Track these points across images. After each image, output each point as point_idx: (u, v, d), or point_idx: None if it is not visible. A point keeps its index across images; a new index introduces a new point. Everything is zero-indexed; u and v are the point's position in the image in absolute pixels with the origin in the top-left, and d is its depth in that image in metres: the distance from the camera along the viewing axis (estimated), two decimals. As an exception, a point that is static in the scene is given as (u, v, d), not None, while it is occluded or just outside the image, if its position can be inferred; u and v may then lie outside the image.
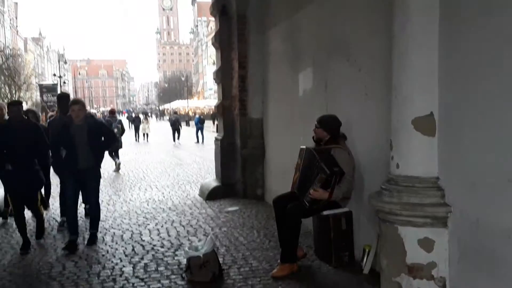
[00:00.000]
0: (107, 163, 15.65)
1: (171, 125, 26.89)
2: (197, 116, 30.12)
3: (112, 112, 16.26)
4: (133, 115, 40.20)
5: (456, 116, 3.16)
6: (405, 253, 3.35)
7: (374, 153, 4.38)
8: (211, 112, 46.70)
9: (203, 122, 27.21)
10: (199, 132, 25.59)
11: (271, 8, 7.52)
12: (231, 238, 5.98)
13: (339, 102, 5.09)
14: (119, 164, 13.83)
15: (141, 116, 30.75)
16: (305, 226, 4.91)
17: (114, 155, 13.87)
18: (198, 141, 25.07)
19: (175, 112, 36.45)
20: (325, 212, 4.38)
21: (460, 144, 3.14)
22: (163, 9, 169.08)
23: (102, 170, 6.33)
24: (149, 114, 34.58)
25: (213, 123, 41.43)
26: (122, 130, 14.34)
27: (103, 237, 6.24)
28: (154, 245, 5.79)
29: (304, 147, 4.78)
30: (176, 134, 25.79)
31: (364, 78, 4.53)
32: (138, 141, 27.30)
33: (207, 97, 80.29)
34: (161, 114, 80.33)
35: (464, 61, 3.07)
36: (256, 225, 6.57)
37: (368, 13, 4.45)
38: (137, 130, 28.24)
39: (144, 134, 27.93)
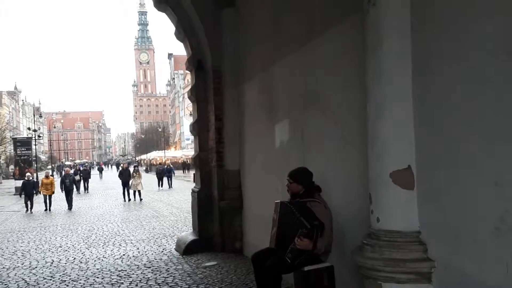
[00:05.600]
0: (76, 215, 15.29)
1: (157, 174, 30.28)
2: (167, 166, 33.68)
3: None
4: (120, 167, 31.17)
5: (434, 168, 3.15)
6: (390, 310, 3.23)
7: (354, 205, 4.32)
8: (181, 162, 54.51)
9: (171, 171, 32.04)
10: (169, 179, 30.51)
11: (246, 62, 7.64)
12: (209, 296, 5.75)
13: (317, 154, 5.08)
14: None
15: (130, 169, 23.42)
16: (285, 281, 4.76)
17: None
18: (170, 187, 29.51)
19: (160, 163, 39.04)
20: (306, 268, 4.24)
21: (441, 196, 3.10)
22: (140, 63, 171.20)
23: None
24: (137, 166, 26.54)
25: (183, 171, 49.44)
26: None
27: (74, 299, 5.92)
28: (128, 307, 5.51)
29: (278, 201, 4.70)
30: (169, 181, 30.19)
31: (341, 130, 4.54)
32: (129, 199, 21.62)
33: (184, 147, 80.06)
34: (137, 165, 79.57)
35: (440, 112, 3.08)
36: (235, 281, 6.34)
37: (341, 67, 4.52)
38: (126, 186, 22.10)
39: (134, 192, 21.93)
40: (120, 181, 22.98)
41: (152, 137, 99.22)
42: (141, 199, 21.30)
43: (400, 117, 3.30)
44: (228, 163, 8.28)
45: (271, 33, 6.43)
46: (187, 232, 9.62)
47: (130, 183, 21.90)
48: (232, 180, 8.22)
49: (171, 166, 35.56)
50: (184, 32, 8.56)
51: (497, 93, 2.65)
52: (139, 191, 21.74)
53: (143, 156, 72.03)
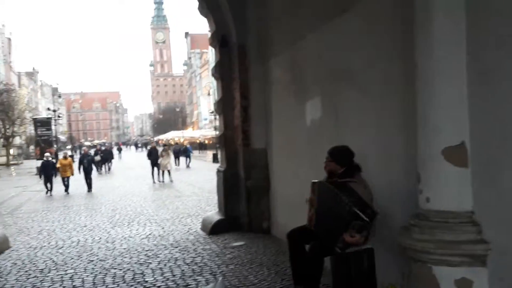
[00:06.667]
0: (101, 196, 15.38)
1: (174, 153, 30.01)
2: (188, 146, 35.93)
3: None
4: (149, 146, 31.23)
5: (490, 144, 2.94)
6: (441, 294, 3.07)
7: (394, 185, 4.13)
8: (198, 142, 56.69)
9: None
10: (187, 159, 31.24)
11: (273, 37, 7.39)
12: (240, 277, 5.64)
13: (352, 131, 4.86)
14: None
15: (159, 149, 22.30)
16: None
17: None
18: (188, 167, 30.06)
19: (176, 143, 39.45)
20: (346, 250, 4.09)
21: (497, 174, 2.91)
22: (156, 43, 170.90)
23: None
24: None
25: (199, 151, 50.93)
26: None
27: (103, 279, 5.88)
28: (159, 287, 5.44)
29: (316, 181, 4.49)
30: (187, 161, 30.91)
31: (379, 106, 4.32)
32: (158, 180, 20.69)
33: (201, 127, 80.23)
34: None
35: (498, 88, 2.87)
36: (265, 261, 6.23)
37: (378, 39, 4.27)
38: (155, 167, 21.13)
39: (163, 172, 20.94)
40: (146, 162, 22.51)
41: (170, 117, 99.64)
42: (171, 180, 20.44)
43: (453, 91, 3.09)
44: (254, 142, 8.13)
45: (300, 6, 6.17)
46: (212, 212, 9.55)
47: (159, 162, 20.91)
48: (259, 159, 8.07)
49: (189, 146, 36.06)
50: (207, 7, 8.33)
51: None
52: (168, 171, 20.90)
53: (161, 136, 72.34)
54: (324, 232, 4.25)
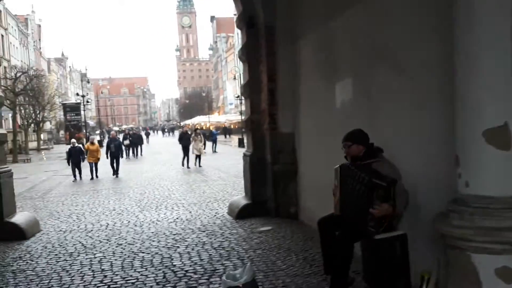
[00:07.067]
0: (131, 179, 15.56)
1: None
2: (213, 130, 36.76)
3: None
4: (180, 131, 31.54)
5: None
6: (480, 283, 2.93)
7: (430, 169, 3.97)
8: (223, 127, 57.19)
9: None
10: (214, 144, 31.30)
11: (302, 17, 7.19)
12: (267, 262, 5.58)
13: (386, 114, 4.69)
14: None
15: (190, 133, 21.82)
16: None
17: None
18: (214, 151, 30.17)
19: (201, 128, 39.20)
20: (377, 236, 3.96)
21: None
22: (182, 27, 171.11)
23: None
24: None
25: (225, 136, 51.11)
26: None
27: (131, 262, 5.91)
28: (187, 271, 5.42)
29: (337, 166, 4.39)
30: (213, 145, 30.94)
31: (415, 87, 4.13)
32: (189, 165, 20.02)
33: (227, 112, 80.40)
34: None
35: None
36: (293, 247, 6.15)
37: (418, 16, 4.06)
38: (186, 152, 20.46)
39: (197, 157, 20.23)
40: (173, 147, 22.44)
41: (196, 102, 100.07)
42: (200, 165, 19.89)
43: (496, 68, 2.89)
44: (281, 126, 7.99)
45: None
46: (239, 197, 9.50)
47: (191, 147, 20.43)
48: (286, 144, 7.94)
49: (214, 130, 36.22)
50: (234, -12, 8.17)
51: None
52: (198, 156, 20.15)
53: (188, 121, 72.82)
54: (351, 214, 4.16)
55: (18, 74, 35.15)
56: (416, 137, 4.18)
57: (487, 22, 2.88)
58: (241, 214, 8.26)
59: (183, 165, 20.25)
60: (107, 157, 18.39)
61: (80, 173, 17.36)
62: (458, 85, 3.08)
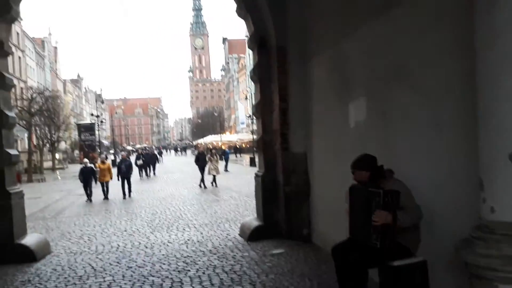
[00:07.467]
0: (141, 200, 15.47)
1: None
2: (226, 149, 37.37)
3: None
4: (197, 151, 30.83)
5: None
6: (508, 316, 2.73)
7: (449, 193, 3.79)
8: (236, 146, 57.87)
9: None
10: (225, 163, 31.36)
11: (315, 37, 7.11)
12: (280, 287, 5.39)
13: (403, 135, 4.54)
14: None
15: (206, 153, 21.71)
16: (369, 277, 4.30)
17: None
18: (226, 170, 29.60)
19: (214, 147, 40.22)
20: (396, 263, 3.77)
21: None
22: (195, 49, 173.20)
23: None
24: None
25: (235, 155, 51.38)
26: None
27: (141, 287, 5.76)
28: (197, 297, 5.26)
29: (347, 189, 4.31)
30: (225, 164, 30.94)
31: (433, 106, 3.98)
32: (206, 186, 19.69)
33: (239, 131, 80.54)
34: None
35: None
36: (306, 271, 5.95)
37: (436, 33, 3.93)
38: (203, 171, 20.45)
39: (214, 177, 20.17)
40: (186, 167, 22.14)
41: (208, 122, 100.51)
42: (216, 185, 19.78)
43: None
44: (293, 146, 7.87)
45: (343, 3, 5.88)
46: (251, 218, 9.34)
47: (207, 167, 20.24)
48: (298, 164, 7.80)
49: (227, 150, 36.32)
50: (246, 8, 8.15)
51: None
52: (214, 176, 20.09)
53: (200, 140, 73.03)
54: (357, 231, 4.02)
55: (34, 95, 35.58)
56: (434, 158, 4.02)
57: (509, 36, 2.74)
58: (252, 235, 8.09)
59: (200, 186, 19.81)
60: (118, 179, 17.96)
61: (90, 194, 16.89)
62: (481, 102, 2.94)
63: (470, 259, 2.90)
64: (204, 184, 19.85)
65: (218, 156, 21.67)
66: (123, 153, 22.80)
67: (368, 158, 4.25)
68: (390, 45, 4.71)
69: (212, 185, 19.90)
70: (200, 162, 20.73)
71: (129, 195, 17.32)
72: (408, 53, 4.35)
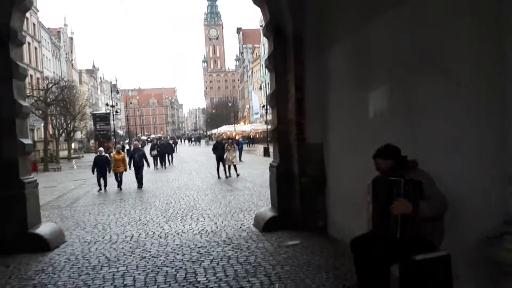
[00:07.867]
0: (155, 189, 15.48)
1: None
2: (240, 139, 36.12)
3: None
4: (215, 140, 28.78)
5: None
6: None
7: (479, 185, 3.62)
8: (249, 136, 57.69)
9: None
10: (239, 153, 29.06)
11: (332, 24, 6.92)
12: (296, 280, 5.28)
13: (429, 123, 4.35)
14: None
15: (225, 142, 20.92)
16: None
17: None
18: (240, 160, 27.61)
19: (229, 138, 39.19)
20: (418, 257, 3.63)
21: None
22: (210, 39, 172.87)
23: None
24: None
25: (248, 145, 50.76)
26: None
27: (155, 277, 5.71)
28: (211, 288, 5.19)
29: (370, 181, 4.22)
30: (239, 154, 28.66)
31: (465, 94, 3.78)
32: (226, 176, 19.23)
33: (253, 121, 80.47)
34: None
35: None
36: (323, 264, 5.83)
37: (469, 16, 3.72)
38: (220, 161, 19.68)
39: (229, 167, 19.63)
40: (200, 157, 22.03)
41: (222, 112, 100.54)
42: (238, 174, 19.43)
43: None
44: (309, 136, 7.71)
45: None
46: (265, 208, 9.24)
47: (225, 157, 19.52)
48: (314, 155, 7.66)
49: (241, 139, 36.24)
50: (262, -5, 7.97)
51: None
52: (234, 166, 19.68)
53: (214, 130, 73.19)
54: (378, 221, 3.92)
55: (50, 85, 35.83)
56: (465, 149, 3.83)
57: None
58: (267, 226, 8.00)
59: (218, 176, 19.29)
60: (130, 168, 17.86)
61: (105, 184, 16.85)
62: (510, 96, 2.77)
63: (498, 254, 2.76)
64: (226, 173, 19.38)
65: (235, 146, 21.22)
66: (135, 142, 22.54)
67: (392, 147, 4.16)
68: (417, 28, 4.50)
69: (230, 175, 19.39)
70: (218, 151, 19.86)
71: (140, 187, 17.04)
72: (435, 37, 4.16)
